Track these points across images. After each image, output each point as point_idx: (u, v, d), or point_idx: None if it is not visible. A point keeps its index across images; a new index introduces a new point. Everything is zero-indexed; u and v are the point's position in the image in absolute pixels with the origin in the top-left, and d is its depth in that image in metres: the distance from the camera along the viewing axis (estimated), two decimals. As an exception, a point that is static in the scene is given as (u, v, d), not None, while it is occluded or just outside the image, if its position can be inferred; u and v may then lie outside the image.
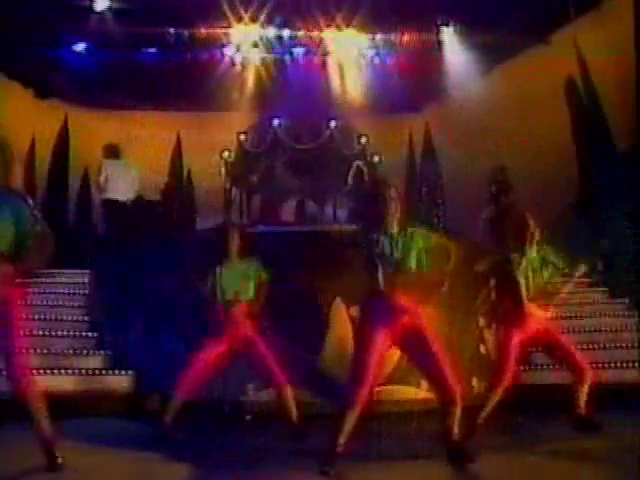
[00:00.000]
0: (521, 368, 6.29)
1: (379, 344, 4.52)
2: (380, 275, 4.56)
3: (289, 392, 5.56)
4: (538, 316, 5.47)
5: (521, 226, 5.65)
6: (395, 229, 4.63)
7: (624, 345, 7.53)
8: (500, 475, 4.40)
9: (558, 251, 5.65)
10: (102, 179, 10.76)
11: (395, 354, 5.88)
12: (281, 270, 6.52)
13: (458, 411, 4.52)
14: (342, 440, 4.44)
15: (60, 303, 8.41)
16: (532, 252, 5.58)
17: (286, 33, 13.16)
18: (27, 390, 4.25)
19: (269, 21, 12.85)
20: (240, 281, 5.81)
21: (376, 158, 13.36)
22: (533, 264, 5.56)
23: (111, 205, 10.80)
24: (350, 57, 13.91)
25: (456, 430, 4.55)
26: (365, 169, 12.74)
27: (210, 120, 14.38)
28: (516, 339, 5.40)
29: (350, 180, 13.15)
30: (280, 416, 5.64)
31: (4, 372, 4.35)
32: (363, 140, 13.16)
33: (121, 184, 10.76)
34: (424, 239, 4.70)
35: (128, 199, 10.92)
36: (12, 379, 4.26)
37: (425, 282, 4.73)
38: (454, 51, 13.23)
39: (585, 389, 5.38)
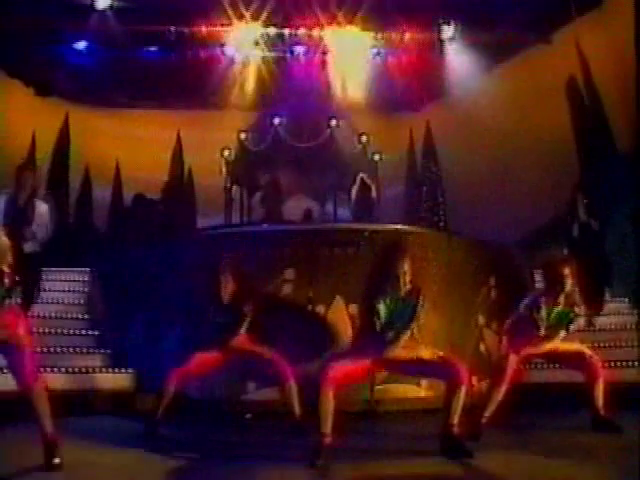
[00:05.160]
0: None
1: None
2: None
3: (293, 388, 5.56)
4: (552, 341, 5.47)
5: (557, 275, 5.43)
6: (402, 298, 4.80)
7: (624, 345, 7.53)
8: (500, 475, 4.40)
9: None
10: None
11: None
12: (282, 268, 6.55)
13: (463, 395, 4.59)
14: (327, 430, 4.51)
15: (60, 301, 8.42)
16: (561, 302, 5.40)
17: (287, 31, 13.16)
18: (34, 386, 4.28)
19: (270, 19, 12.85)
20: None
21: (377, 157, 13.38)
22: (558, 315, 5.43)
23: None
24: (351, 56, 13.90)
25: (456, 421, 4.61)
26: (372, 184, 12.81)
27: (210, 118, 14.38)
28: (524, 353, 5.42)
29: (354, 194, 13.22)
30: (281, 414, 5.64)
31: (10, 368, 4.37)
32: (364, 139, 13.18)
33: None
34: None
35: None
36: (20, 374, 4.28)
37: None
38: (455, 50, 13.23)
39: (600, 388, 5.39)
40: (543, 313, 5.31)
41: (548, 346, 5.44)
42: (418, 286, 4.89)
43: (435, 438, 4.72)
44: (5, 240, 4.30)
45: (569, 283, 5.36)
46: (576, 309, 5.43)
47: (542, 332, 5.31)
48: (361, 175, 13.06)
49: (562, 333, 5.41)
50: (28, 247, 6.57)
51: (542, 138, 11.49)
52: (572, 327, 5.43)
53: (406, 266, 4.82)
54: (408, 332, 4.78)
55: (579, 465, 4.43)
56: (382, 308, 4.73)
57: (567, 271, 5.38)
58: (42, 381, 4.43)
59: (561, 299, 5.36)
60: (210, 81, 13.36)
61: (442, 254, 6.97)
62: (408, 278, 4.81)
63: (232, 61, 13.73)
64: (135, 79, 13.44)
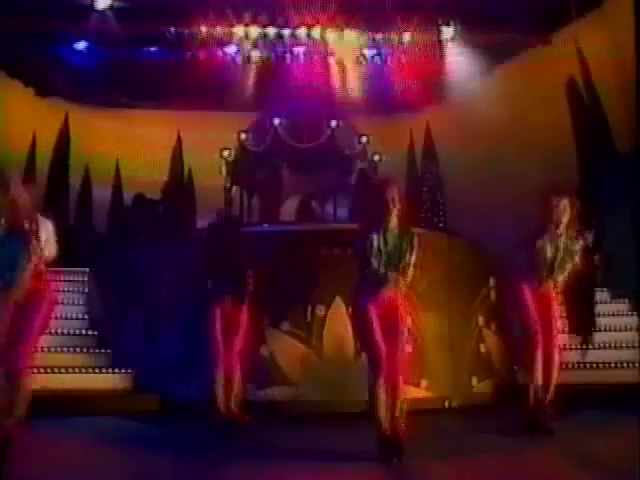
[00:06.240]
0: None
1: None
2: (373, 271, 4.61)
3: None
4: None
5: None
6: (394, 229, 4.69)
7: (624, 345, 7.54)
8: (500, 475, 4.40)
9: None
10: None
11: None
12: (282, 268, 6.54)
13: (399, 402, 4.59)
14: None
15: (60, 301, 8.40)
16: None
17: (287, 32, 13.16)
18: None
19: (270, 20, 12.85)
20: None
21: (377, 157, 13.38)
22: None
23: None
24: (351, 56, 13.90)
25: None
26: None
27: (210, 119, 14.37)
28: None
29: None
30: (281, 414, 5.65)
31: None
32: (364, 140, 13.18)
33: None
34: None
35: None
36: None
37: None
38: (455, 51, 13.23)
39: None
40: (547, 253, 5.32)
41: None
42: (410, 226, 4.83)
43: (435, 438, 4.72)
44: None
45: (566, 218, 5.33)
46: (579, 238, 5.40)
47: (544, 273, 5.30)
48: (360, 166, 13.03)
49: (572, 261, 5.35)
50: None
51: (542, 138, 11.48)
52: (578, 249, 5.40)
53: (395, 191, 4.77)
54: (404, 276, 4.71)
55: (579, 466, 4.43)
56: (375, 241, 4.69)
57: (562, 205, 5.35)
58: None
59: (561, 230, 5.34)
60: (210, 81, 13.35)
61: (442, 255, 6.97)
62: (398, 206, 4.74)
63: (232, 61, 13.73)
64: (135, 79, 13.43)
